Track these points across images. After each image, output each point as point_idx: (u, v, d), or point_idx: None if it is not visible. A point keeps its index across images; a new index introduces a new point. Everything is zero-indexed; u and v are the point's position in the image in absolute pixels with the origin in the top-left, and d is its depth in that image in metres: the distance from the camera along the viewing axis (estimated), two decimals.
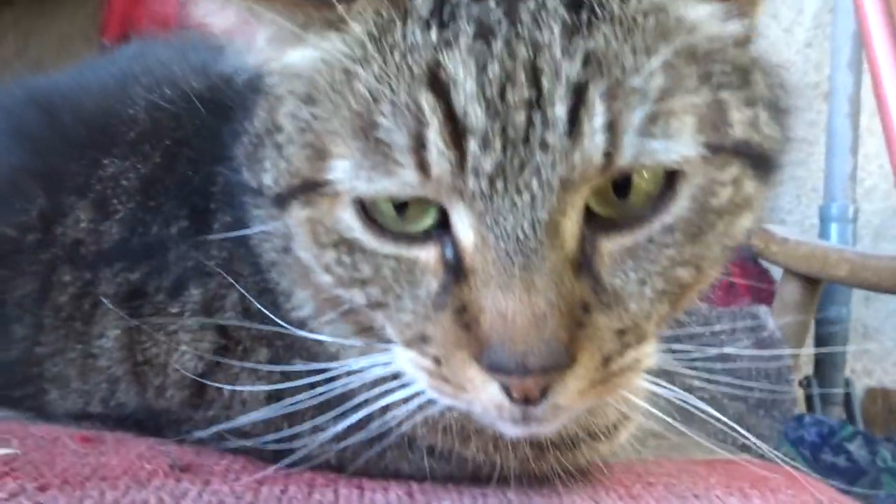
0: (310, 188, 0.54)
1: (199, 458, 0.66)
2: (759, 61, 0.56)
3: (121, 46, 1.15)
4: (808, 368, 1.87)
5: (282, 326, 0.64)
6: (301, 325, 0.65)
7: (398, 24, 0.51)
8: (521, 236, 0.48)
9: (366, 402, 0.59)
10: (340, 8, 0.52)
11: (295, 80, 0.56)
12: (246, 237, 0.68)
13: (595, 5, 0.49)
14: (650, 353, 0.55)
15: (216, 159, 0.73)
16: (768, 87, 0.56)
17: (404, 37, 0.50)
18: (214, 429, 0.67)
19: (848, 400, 1.77)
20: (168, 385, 0.72)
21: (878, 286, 1.36)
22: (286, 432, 0.65)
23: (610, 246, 0.51)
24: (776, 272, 1.78)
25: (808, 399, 1.74)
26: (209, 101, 0.79)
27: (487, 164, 0.48)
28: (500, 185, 0.48)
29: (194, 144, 0.78)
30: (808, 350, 1.79)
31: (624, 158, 0.48)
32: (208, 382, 0.69)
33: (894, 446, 1.06)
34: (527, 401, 0.50)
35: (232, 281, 0.70)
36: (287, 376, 0.67)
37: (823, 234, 1.92)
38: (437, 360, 0.53)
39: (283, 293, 0.67)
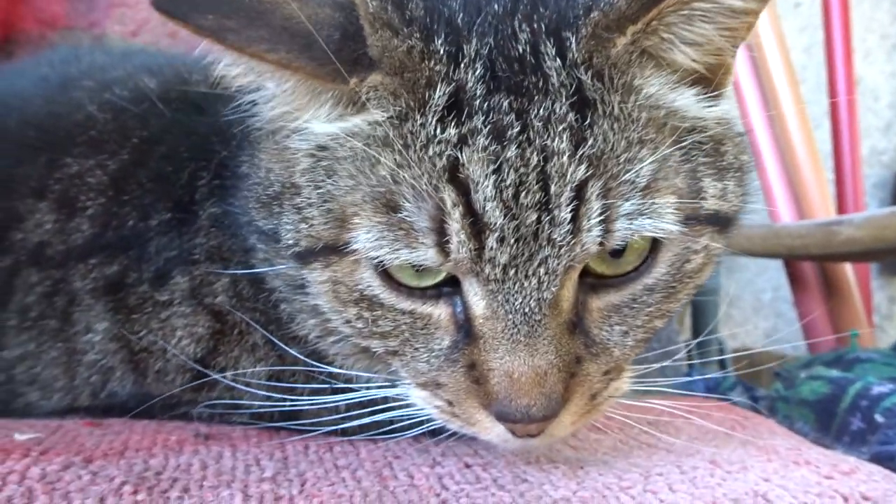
0: (331, 251, 0.59)
1: (214, 430, 0.70)
2: (729, 131, 0.63)
3: (44, 52, 1.13)
4: (687, 334, 2.07)
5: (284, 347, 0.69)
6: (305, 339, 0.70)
7: (416, 112, 0.55)
8: (528, 311, 0.56)
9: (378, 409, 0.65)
10: (353, 82, 0.55)
11: (315, 147, 0.59)
12: (234, 226, 0.72)
13: (598, 103, 0.55)
14: (627, 378, 0.64)
15: (198, 159, 0.77)
16: (735, 155, 0.63)
17: (423, 126, 0.54)
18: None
19: (722, 360, 1.98)
20: (170, 370, 0.74)
21: (750, 251, 1.56)
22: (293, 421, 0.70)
23: (599, 303, 0.59)
24: None
25: (689, 359, 1.94)
26: (171, 101, 0.82)
27: (503, 257, 0.54)
28: (511, 272, 0.55)
29: (167, 142, 0.80)
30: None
31: (616, 241, 0.56)
32: (206, 371, 0.72)
33: (783, 379, 1.23)
34: (528, 435, 0.59)
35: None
36: (284, 358, 0.73)
37: None
38: (449, 402, 0.61)
39: (289, 315, 0.71)
